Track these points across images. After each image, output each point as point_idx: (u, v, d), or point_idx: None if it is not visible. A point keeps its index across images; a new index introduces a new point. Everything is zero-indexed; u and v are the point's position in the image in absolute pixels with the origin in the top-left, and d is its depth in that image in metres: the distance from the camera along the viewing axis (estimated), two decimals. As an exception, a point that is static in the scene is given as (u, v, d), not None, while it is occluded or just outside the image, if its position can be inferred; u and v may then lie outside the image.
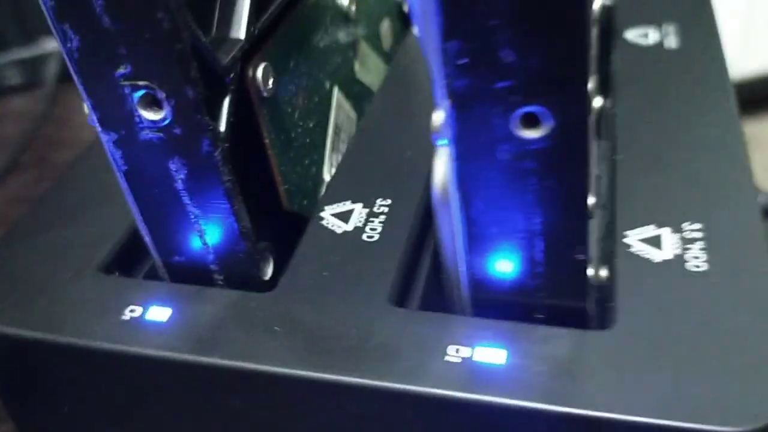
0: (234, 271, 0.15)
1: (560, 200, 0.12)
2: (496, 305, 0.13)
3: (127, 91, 0.12)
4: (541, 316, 0.13)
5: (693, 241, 0.14)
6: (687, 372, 0.12)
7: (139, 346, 0.14)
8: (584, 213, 0.12)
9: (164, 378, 0.14)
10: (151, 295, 0.14)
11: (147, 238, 0.15)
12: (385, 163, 0.17)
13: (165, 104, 0.12)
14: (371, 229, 0.15)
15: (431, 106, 0.12)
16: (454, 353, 0.12)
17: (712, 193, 0.15)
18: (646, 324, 0.12)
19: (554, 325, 0.13)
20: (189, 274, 0.15)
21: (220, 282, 0.15)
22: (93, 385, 0.15)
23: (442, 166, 0.12)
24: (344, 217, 0.16)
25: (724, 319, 0.12)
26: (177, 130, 0.13)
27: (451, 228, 0.13)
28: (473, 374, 0.12)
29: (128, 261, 0.16)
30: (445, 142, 0.12)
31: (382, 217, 0.15)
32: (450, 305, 0.14)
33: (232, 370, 0.13)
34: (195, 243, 0.14)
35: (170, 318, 0.14)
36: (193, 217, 0.14)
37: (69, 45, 0.12)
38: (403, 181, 0.16)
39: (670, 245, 0.14)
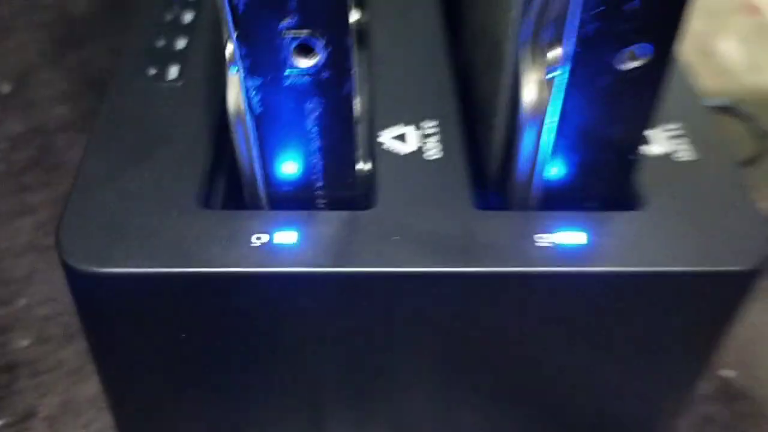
0: (339, 195, 0.17)
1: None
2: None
3: (287, 40, 0.14)
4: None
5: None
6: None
7: (283, 266, 0.15)
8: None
9: (306, 294, 0.16)
10: (271, 223, 0.16)
11: (258, 173, 0.16)
12: (413, 87, 0.20)
13: (321, 52, 0.14)
14: (430, 148, 0.18)
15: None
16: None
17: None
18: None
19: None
20: (293, 202, 0.17)
21: (323, 205, 0.17)
22: (232, 313, 0.16)
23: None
24: (402, 139, 0.18)
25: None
26: (325, 74, 0.14)
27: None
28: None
29: (215, 196, 0.17)
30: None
31: (435, 137, 0.18)
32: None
33: (371, 276, 0.16)
34: (310, 172, 0.16)
35: (298, 240, 0.16)
36: (314, 149, 0.16)
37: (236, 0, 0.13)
38: (437, 102, 0.19)
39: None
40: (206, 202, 0.17)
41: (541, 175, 0.17)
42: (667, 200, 0.17)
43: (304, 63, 0.14)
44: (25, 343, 0.25)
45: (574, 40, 0.14)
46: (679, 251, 0.16)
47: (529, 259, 0.16)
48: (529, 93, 0.16)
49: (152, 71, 0.20)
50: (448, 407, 0.19)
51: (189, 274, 0.15)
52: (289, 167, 0.16)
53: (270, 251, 0.16)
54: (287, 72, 0.14)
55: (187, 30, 0.21)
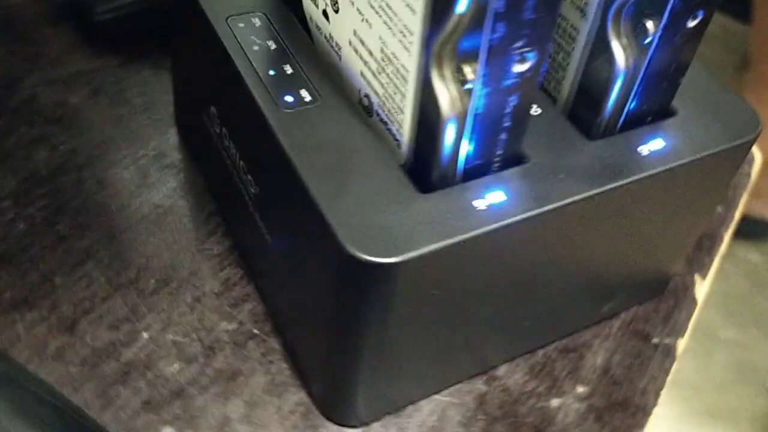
0: (507, 160, 0.22)
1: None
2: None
3: (516, 57, 0.19)
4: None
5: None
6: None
7: (509, 217, 0.21)
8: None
9: (526, 233, 0.21)
10: (479, 191, 0.21)
11: (461, 156, 0.21)
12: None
13: (532, 59, 0.19)
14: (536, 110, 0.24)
15: None
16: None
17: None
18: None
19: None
20: (477, 172, 0.22)
21: (495, 169, 0.22)
22: (481, 264, 0.21)
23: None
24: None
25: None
26: (528, 73, 0.20)
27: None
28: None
29: (417, 184, 0.22)
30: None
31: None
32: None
33: (567, 205, 0.22)
34: (496, 147, 0.21)
35: (507, 197, 0.21)
36: (506, 128, 0.21)
37: (494, 34, 0.18)
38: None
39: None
40: (421, 189, 0.21)
41: (623, 108, 0.24)
42: (689, 107, 0.25)
43: (520, 68, 0.19)
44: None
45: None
46: (714, 136, 0.25)
47: (644, 165, 0.23)
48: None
49: (289, 98, 0.23)
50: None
51: (452, 245, 0.20)
52: (486, 147, 0.21)
53: (494, 210, 0.21)
54: (508, 78, 0.20)
55: (282, 56, 0.25)
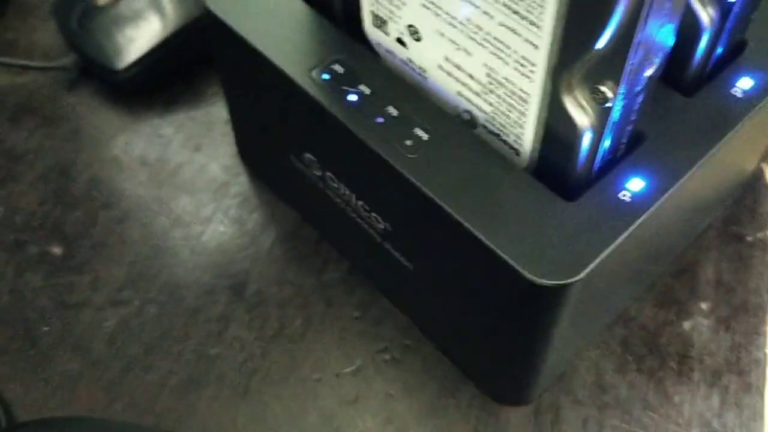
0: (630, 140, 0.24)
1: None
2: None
3: (647, 66, 0.20)
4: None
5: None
6: None
7: (655, 202, 0.22)
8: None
9: (677, 201, 0.23)
10: (618, 183, 0.23)
11: (597, 162, 0.22)
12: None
13: (659, 59, 0.20)
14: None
15: None
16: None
17: None
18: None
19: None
20: (609, 163, 0.23)
21: (622, 153, 0.24)
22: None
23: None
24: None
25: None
26: (656, 73, 0.21)
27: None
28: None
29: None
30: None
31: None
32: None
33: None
34: (628, 134, 0.23)
35: (646, 180, 0.23)
36: (632, 120, 0.22)
37: (635, 59, 0.19)
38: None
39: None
40: (562, 195, 0.23)
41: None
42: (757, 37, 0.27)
43: (649, 72, 0.21)
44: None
45: None
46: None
47: (744, 106, 0.25)
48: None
49: (408, 142, 0.24)
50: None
51: (617, 245, 0.22)
52: (617, 142, 0.23)
53: (640, 198, 0.23)
54: (639, 84, 0.21)
55: (380, 99, 0.25)
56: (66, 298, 0.30)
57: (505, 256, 0.22)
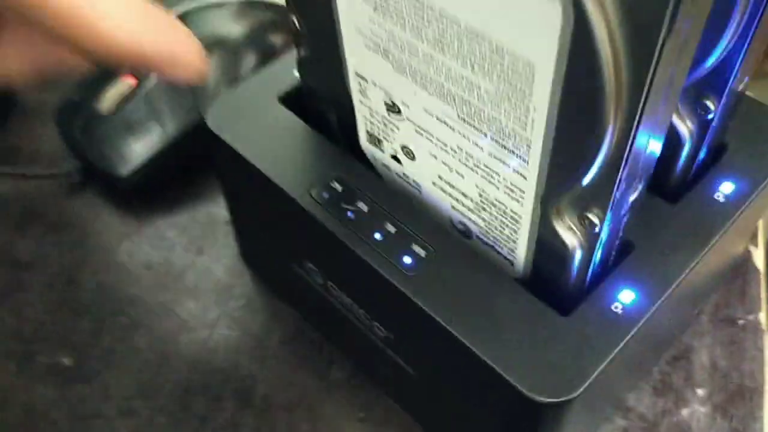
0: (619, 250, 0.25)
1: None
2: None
3: (632, 191, 0.21)
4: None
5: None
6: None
7: (648, 312, 0.23)
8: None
9: (668, 306, 0.24)
10: (610, 295, 0.24)
11: (588, 272, 0.23)
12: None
13: (642, 183, 0.21)
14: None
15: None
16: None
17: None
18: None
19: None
20: (599, 274, 0.24)
21: (611, 264, 0.25)
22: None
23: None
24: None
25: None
26: (641, 196, 0.22)
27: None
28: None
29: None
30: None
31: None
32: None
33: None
34: (616, 247, 0.24)
35: (636, 291, 0.24)
36: (620, 236, 0.23)
37: (619, 190, 0.20)
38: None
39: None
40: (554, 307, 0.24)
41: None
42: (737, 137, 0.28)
43: (633, 197, 0.22)
44: None
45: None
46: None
47: (729, 210, 0.26)
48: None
49: (407, 259, 0.25)
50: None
51: (612, 358, 0.23)
52: (607, 256, 0.24)
53: (632, 310, 0.24)
54: (624, 207, 0.22)
55: (378, 216, 0.26)
56: (78, 410, 0.31)
57: (504, 374, 0.22)
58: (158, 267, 0.35)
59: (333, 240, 0.26)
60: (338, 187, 0.27)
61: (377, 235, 0.26)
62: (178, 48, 0.19)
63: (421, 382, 0.28)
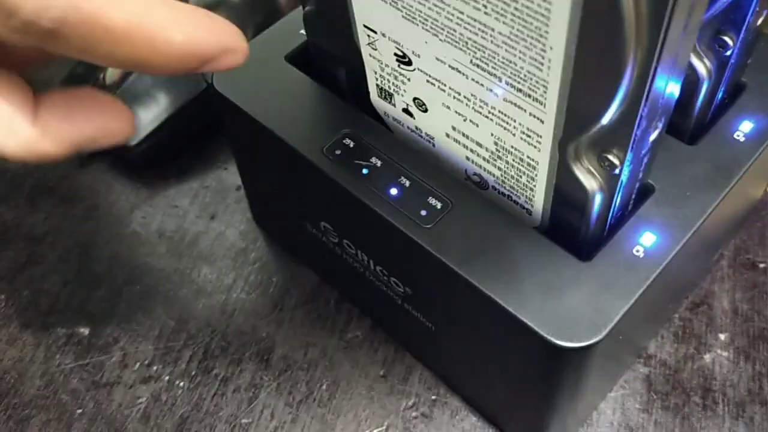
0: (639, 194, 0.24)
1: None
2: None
3: (652, 131, 0.21)
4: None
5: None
6: None
7: (670, 255, 0.23)
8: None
9: (690, 249, 0.24)
10: (630, 239, 0.23)
11: (609, 217, 0.23)
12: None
13: (662, 123, 0.21)
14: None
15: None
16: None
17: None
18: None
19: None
20: (620, 218, 0.24)
21: (631, 207, 0.24)
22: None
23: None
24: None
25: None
26: (660, 136, 0.22)
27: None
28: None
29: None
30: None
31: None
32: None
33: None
34: (636, 190, 0.24)
35: (657, 234, 0.23)
36: (641, 178, 0.23)
37: (639, 128, 0.20)
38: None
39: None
40: (576, 255, 0.24)
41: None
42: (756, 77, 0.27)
43: (654, 136, 0.21)
44: None
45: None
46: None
47: (748, 149, 0.25)
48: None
49: (423, 212, 0.25)
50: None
51: (634, 302, 0.23)
52: (627, 200, 0.23)
53: (653, 253, 0.23)
54: (646, 147, 0.21)
55: (393, 171, 0.26)
56: (97, 379, 0.31)
57: (526, 321, 0.22)
58: (172, 235, 0.35)
59: (348, 197, 0.26)
60: (350, 143, 0.26)
61: (393, 190, 0.25)
62: (225, 38, 0.19)
63: (442, 336, 0.28)
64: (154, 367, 0.31)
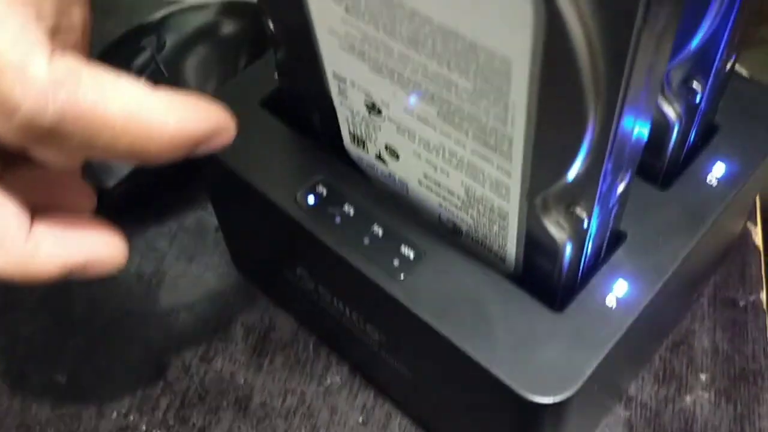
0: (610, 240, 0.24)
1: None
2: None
3: (618, 184, 0.21)
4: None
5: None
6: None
7: (649, 296, 0.23)
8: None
9: (663, 296, 0.24)
10: (603, 288, 0.23)
11: (580, 266, 0.23)
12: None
13: (629, 176, 0.21)
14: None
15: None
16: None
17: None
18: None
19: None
20: (592, 266, 0.24)
21: (603, 255, 0.24)
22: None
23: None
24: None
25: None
26: (628, 188, 0.21)
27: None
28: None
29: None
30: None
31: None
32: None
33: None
34: (607, 238, 0.23)
35: (629, 282, 0.23)
36: (611, 227, 0.23)
37: (605, 182, 0.20)
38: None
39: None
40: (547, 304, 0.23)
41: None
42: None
43: (621, 189, 0.21)
44: None
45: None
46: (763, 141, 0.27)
47: (721, 194, 0.25)
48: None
49: (396, 262, 0.24)
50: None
51: (608, 353, 0.22)
52: (598, 248, 0.23)
53: (626, 302, 0.23)
54: (613, 200, 0.21)
55: (365, 219, 0.26)
56: (74, 429, 0.31)
57: (499, 376, 0.22)
58: (150, 278, 0.35)
59: (321, 246, 0.25)
60: (323, 190, 0.26)
61: (365, 240, 0.25)
62: (215, 119, 0.20)
63: (418, 383, 0.28)
64: (131, 417, 0.31)
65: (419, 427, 0.30)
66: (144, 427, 0.31)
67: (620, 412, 0.30)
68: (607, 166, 0.19)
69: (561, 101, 0.18)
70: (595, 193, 0.20)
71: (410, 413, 0.30)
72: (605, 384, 0.25)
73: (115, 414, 0.31)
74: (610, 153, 0.19)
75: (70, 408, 0.31)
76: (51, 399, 0.31)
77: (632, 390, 0.30)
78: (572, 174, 0.20)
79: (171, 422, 0.31)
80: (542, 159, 0.20)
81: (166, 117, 0.19)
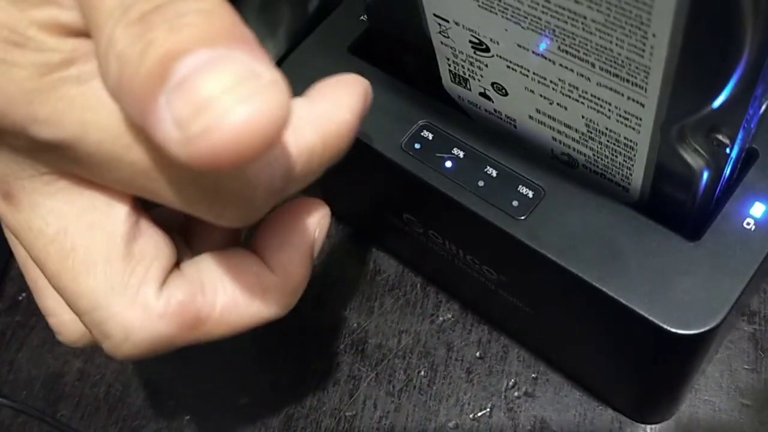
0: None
1: None
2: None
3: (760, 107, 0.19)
4: None
5: None
6: None
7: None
8: None
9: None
10: (739, 211, 0.22)
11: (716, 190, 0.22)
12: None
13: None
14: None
15: None
16: None
17: None
18: None
19: None
20: (726, 188, 0.23)
21: (736, 176, 0.23)
22: None
23: None
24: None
25: None
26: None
27: None
28: None
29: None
30: None
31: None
32: None
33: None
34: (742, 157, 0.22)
35: (766, 203, 0.22)
36: (746, 147, 0.22)
37: (752, 107, 0.18)
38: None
39: None
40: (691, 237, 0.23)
41: None
42: None
43: (762, 110, 0.20)
44: None
45: None
46: None
47: None
48: None
49: (515, 203, 0.24)
50: None
51: (750, 278, 0.22)
52: (733, 170, 0.22)
53: (763, 224, 0.22)
54: (754, 121, 0.20)
55: (476, 161, 0.25)
56: (199, 385, 0.32)
57: (639, 310, 0.22)
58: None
59: (434, 193, 0.25)
60: (429, 135, 0.25)
61: (480, 182, 0.24)
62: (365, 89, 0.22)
63: (542, 320, 0.27)
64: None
65: (538, 358, 0.30)
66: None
67: (744, 326, 0.29)
68: (758, 90, 0.18)
69: (715, 25, 0.17)
70: (743, 119, 0.19)
71: (528, 345, 0.30)
72: (740, 306, 0.25)
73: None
74: (764, 76, 0.18)
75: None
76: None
77: (755, 304, 0.30)
78: (719, 101, 0.18)
79: (293, 370, 0.31)
80: (685, 87, 0.19)
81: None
